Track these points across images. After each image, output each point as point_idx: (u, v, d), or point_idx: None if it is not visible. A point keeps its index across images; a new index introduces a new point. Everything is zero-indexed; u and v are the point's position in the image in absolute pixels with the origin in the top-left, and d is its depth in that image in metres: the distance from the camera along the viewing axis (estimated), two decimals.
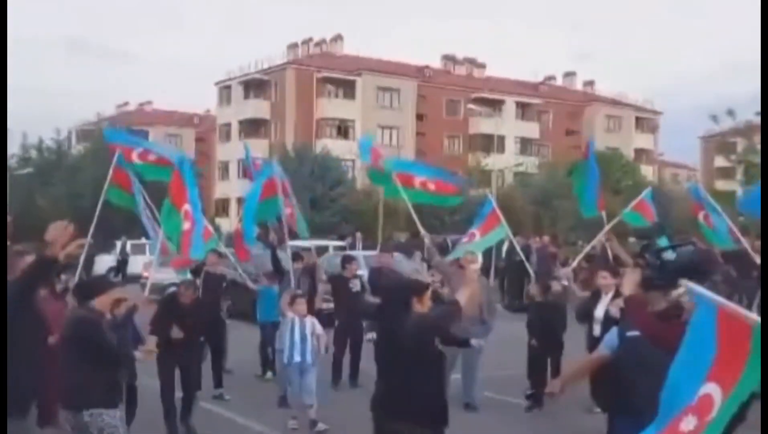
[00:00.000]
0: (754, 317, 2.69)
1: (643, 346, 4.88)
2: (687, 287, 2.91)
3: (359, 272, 11.21)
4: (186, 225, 8.35)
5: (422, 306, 4.92)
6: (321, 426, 8.19)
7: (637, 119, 67.86)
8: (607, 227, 9.94)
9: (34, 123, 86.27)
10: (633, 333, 4.98)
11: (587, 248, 10.69)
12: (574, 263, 10.46)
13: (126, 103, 73.32)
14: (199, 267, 10.15)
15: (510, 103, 62.22)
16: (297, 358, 8.11)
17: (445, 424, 4.90)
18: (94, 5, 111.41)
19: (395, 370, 4.85)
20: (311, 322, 8.44)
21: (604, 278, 8.40)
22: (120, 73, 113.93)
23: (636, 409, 4.71)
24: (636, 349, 4.91)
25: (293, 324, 8.27)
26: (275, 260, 10.50)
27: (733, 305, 2.77)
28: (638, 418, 4.60)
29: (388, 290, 5.69)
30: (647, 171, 56.99)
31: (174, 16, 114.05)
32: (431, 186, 10.37)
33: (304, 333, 8.23)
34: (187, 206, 8.39)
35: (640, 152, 64.04)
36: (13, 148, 47.27)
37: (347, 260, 10.96)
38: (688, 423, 2.80)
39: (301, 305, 8.40)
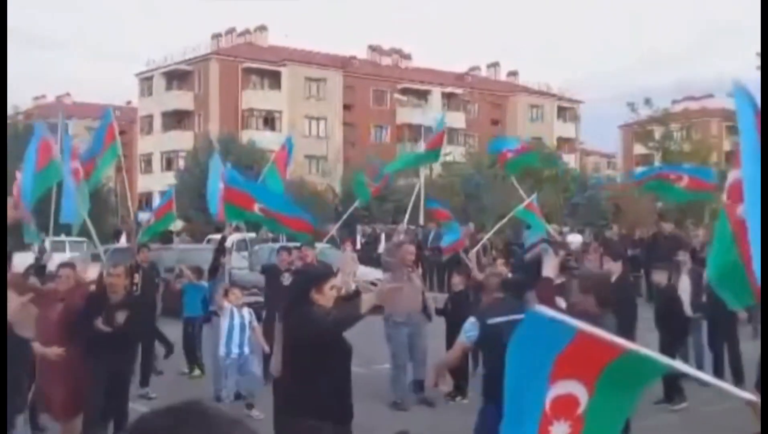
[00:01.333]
0: (626, 345, 2.44)
1: (505, 333, 5.01)
2: (544, 314, 2.59)
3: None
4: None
5: (323, 297, 4.63)
6: (256, 413, 8.04)
7: (559, 108, 69.37)
8: (503, 220, 10.26)
9: None
10: (494, 321, 5.05)
11: (485, 238, 11.01)
12: (474, 250, 10.75)
13: (43, 96, 70.88)
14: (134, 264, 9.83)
15: (436, 94, 62.71)
16: (235, 350, 7.97)
17: (348, 420, 4.71)
18: None
19: (294, 364, 4.65)
20: (249, 312, 8.34)
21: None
22: (36, 64, 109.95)
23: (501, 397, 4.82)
24: (498, 336, 4.90)
25: (232, 314, 8.13)
26: (219, 254, 10.06)
27: (596, 332, 2.47)
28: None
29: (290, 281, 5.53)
30: (569, 159, 58.35)
31: (92, 4, 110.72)
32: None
33: (243, 323, 8.11)
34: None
35: (562, 141, 65.45)
36: None
37: (281, 251, 10.74)
38: (560, 430, 2.55)
39: (238, 295, 8.28)
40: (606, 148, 77.18)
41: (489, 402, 4.97)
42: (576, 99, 70.24)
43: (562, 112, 69.60)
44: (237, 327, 8.09)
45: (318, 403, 4.46)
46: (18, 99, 63.52)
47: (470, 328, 5.18)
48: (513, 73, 70.88)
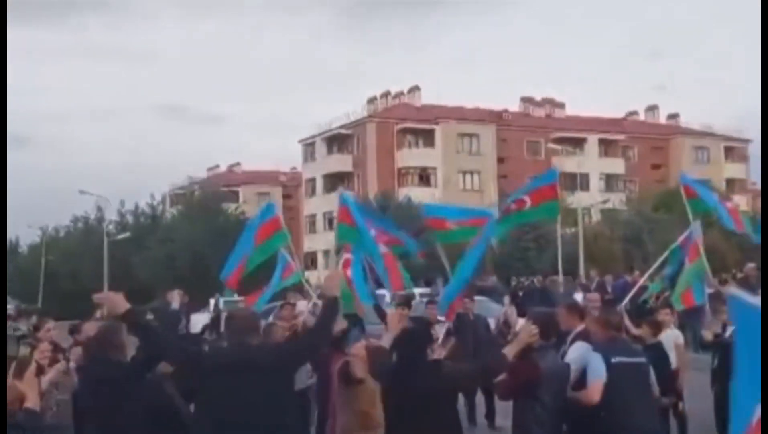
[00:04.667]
0: None
1: (631, 370, 5.23)
2: (729, 293, 2.76)
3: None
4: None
5: (434, 352, 5.07)
6: None
7: (727, 148, 65.91)
8: (657, 262, 9.56)
9: (130, 189, 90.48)
10: (618, 359, 5.19)
11: (638, 284, 10.26)
12: (627, 298, 9.94)
13: (217, 166, 76.13)
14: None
15: (592, 141, 61.53)
16: None
17: None
18: (182, 73, 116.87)
19: (408, 417, 4.84)
20: None
21: (666, 315, 8.72)
22: (209, 138, 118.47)
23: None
24: (620, 376, 5.15)
25: None
26: (379, 309, 10.13)
27: None
28: None
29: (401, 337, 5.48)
30: (740, 201, 55.08)
31: (257, 81, 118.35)
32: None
33: None
34: None
35: (731, 183, 62.01)
36: (111, 214, 49.78)
37: (428, 304, 10.99)
38: None
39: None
40: None
41: None
42: (744, 138, 66.48)
43: (729, 152, 66.06)
44: None
45: None
46: (193, 170, 68.94)
47: (600, 364, 5.18)
48: (673, 116, 68.29)
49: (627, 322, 9.22)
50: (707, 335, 8.44)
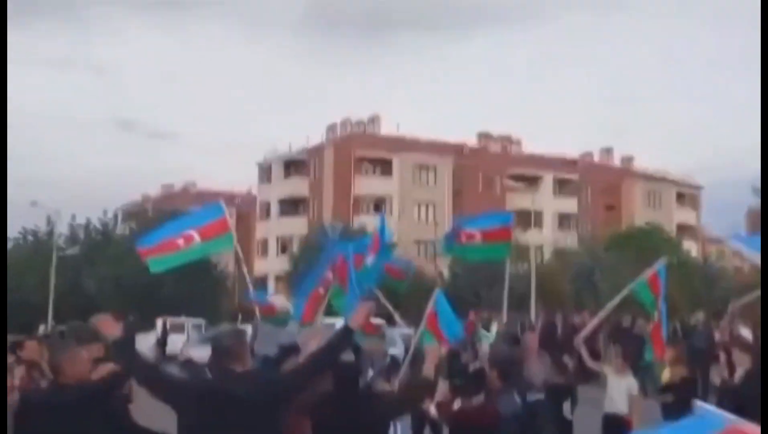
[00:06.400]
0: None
1: (544, 408, 5.40)
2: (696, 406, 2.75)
3: (394, 352, 11.10)
4: None
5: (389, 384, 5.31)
6: None
7: (679, 194, 67.38)
8: (615, 300, 9.38)
9: (83, 204, 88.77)
10: (535, 397, 5.52)
11: (594, 321, 10.06)
12: (581, 336, 9.69)
13: (171, 185, 75.15)
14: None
15: (547, 179, 62.41)
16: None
17: None
18: (140, 89, 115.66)
19: None
20: None
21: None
22: (165, 155, 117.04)
23: None
24: (539, 412, 5.58)
25: None
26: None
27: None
28: None
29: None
30: (691, 247, 56.24)
31: (217, 99, 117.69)
32: None
33: None
34: None
35: (682, 228, 63.33)
36: (62, 228, 48.63)
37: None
38: None
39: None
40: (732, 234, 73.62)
41: None
42: (696, 184, 68.09)
43: (681, 197, 67.58)
44: None
45: None
46: (147, 188, 67.95)
47: (515, 403, 5.62)
48: (628, 159, 69.72)
49: (585, 356, 9.12)
50: (715, 378, 8.05)
